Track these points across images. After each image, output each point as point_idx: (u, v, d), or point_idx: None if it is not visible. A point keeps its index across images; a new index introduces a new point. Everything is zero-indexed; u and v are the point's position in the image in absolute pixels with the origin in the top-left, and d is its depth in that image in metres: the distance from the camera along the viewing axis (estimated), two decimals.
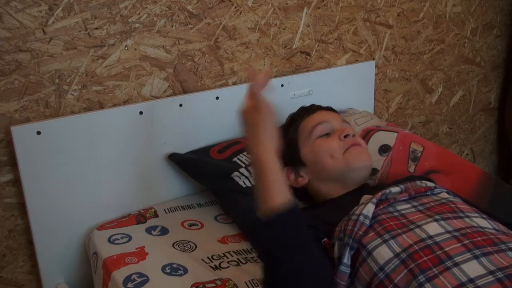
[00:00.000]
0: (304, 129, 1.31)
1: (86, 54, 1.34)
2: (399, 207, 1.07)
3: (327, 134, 1.28)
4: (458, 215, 1.03)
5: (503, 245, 0.94)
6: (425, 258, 0.92)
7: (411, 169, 1.42)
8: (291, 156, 1.31)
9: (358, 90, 1.83)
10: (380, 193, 1.09)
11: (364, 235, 1.01)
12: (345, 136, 1.25)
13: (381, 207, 1.07)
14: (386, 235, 0.99)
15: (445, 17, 2.05)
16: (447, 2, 2.02)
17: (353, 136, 1.27)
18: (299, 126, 1.32)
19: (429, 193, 1.12)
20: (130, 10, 1.37)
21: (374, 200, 1.06)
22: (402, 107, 2.07)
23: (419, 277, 0.90)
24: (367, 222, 1.02)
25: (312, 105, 1.38)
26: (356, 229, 1.00)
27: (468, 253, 0.92)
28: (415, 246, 0.95)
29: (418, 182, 1.17)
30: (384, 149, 1.47)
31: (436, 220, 1.00)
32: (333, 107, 1.73)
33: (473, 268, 0.89)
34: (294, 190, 1.32)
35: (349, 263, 1.00)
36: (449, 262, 0.91)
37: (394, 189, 1.12)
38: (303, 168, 1.30)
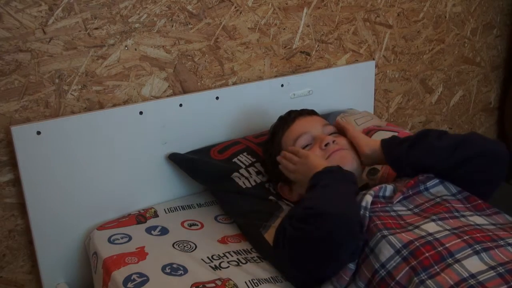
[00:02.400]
0: (286, 144, 1.30)
1: (86, 54, 1.34)
2: (395, 208, 1.08)
3: (309, 146, 1.27)
4: (454, 215, 1.04)
5: (501, 241, 0.95)
6: (427, 255, 0.93)
7: None
8: (280, 173, 1.30)
9: (358, 90, 1.83)
10: (377, 187, 1.10)
11: (366, 230, 1.01)
12: (325, 145, 1.24)
13: (379, 205, 1.07)
14: (385, 231, 1.00)
15: (445, 17, 2.05)
16: (447, 2, 2.02)
17: (334, 142, 1.25)
18: (281, 141, 1.32)
19: (422, 188, 1.12)
20: (130, 10, 1.37)
21: (372, 192, 1.08)
22: (402, 107, 2.07)
23: (421, 275, 0.90)
24: (367, 214, 1.03)
25: (290, 113, 1.36)
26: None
27: (469, 249, 0.92)
28: (415, 243, 0.95)
29: (405, 178, 1.17)
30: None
31: (433, 220, 1.01)
32: (333, 107, 1.75)
33: (474, 264, 0.90)
34: (293, 202, 1.32)
35: (356, 260, 1.00)
36: (450, 259, 0.91)
37: (389, 186, 1.13)
38: (295, 184, 1.29)
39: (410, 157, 1.16)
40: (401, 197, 1.10)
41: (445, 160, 1.14)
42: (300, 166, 1.22)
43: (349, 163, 1.22)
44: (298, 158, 1.23)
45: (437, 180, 1.14)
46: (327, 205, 0.98)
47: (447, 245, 0.94)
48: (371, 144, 1.24)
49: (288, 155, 1.26)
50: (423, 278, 0.90)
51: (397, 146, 1.20)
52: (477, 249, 0.93)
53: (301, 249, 1.00)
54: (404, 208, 1.08)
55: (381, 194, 1.11)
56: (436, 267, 0.91)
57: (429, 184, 1.13)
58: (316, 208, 0.98)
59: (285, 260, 1.07)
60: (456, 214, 1.04)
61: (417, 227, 1.00)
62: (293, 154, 1.25)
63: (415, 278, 0.91)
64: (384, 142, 1.22)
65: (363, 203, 1.05)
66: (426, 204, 1.08)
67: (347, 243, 0.97)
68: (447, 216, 1.03)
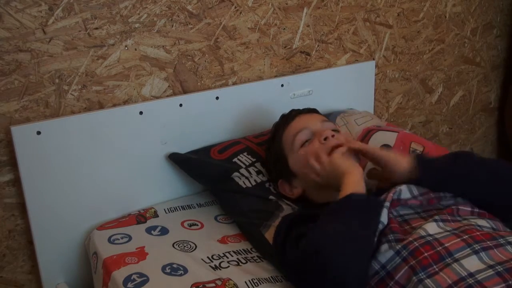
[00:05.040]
0: (287, 140, 1.30)
1: (86, 54, 1.34)
2: (402, 212, 1.08)
3: (308, 141, 1.26)
4: (456, 219, 1.04)
5: (501, 239, 0.95)
6: (426, 254, 0.93)
7: None
8: (281, 169, 1.30)
9: (358, 90, 1.83)
10: (391, 193, 1.08)
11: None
12: (325, 139, 1.22)
13: (391, 209, 1.07)
14: (391, 235, 1.00)
15: (445, 17, 2.05)
16: (447, 2, 2.02)
17: (333, 136, 1.23)
18: (282, 138, 1.32)
19: (436, 202, 1.12)
20: (130, 10, 1.37)
21: (387, 204, 1.06)
22: (402, 107, 2.07)
23: (420, 274, 0.91)
24: (381, 227, 1.03)
25: (291, 112, 1.36)
26: (376, 239, 1.01)
27: (468, 249, 0.93)
28: (415, 243, 0.95)
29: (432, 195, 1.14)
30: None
31: (435, 221, 1.01)
32: (333, 107, 1.75)
33: (472, 263, 0.90)
34: (292, 200, 1.32)
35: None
36: (449, 259, 0.92)
37: (404, 188, 1.10)
38: (295, 179, 1.29)
39: (448, 182, 1.12)
40: (417, 205, 1.09)
41: (481, 192, 1.12)
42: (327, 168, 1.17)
43: None
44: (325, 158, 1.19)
45: (452, 199, 1.13)
46: (338, 253, 0.91)
47: (446, 245, 0.94)
48: (403, 161, 1.16)
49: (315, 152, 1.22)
50: (422, 277, 0.90)
51: (435, 168, 1.15)
52: (476, 248, 0.93)
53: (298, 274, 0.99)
54: (411, 211, 1.08)
55: (395, 197, 1.09)
56: (435, 266, 0.91)
57: (443, 201, 1.12)
58: (324, 251, 0.91)
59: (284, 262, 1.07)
60: (458, 218, 1.05)
61: (419, 228, 1.00)
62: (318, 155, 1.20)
63: (414, 277, 0.91)
64: (420, 160, 1.16)
65: (382, 219, 1.02)
66: (434, 211, 1.08)
67: None
68: (449, 218, 1.03)
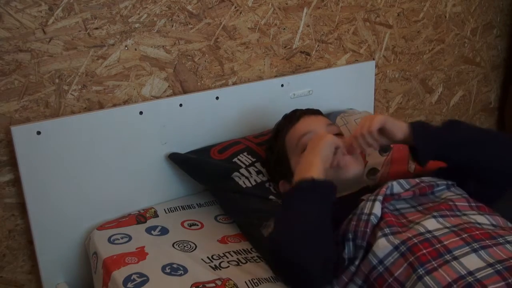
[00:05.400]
0: (290, 142, 1.30)
1: (86, 54, 1.34)
2: (398, 206, 1.08)
3: None
4: (455, 214, 1.04)
5: (501, 239, 0.96)
6: (424, 251, 0.93)
7: (411, 169, 1.42)
8: (283, 170, 1.30)
9: (358, 90, 1.83)
10: (384, 188, 1.09)
11: (371, 233, 1.01)
12: None
13: (385, 203, 1.07)
14: (387, 229, 1.00)
15: (445, 17, 2.05)
16: (447, 2, 2.02)
17: None
18: (285, 139, 1.31)
19: (429, 192, 1.12)
20: (130, 10, 1.37)
21: (380, 197, 1.06)
22: (402, 107, 2.07)
23: (419, 270, 0.91)
24: (376, 221, 1.03)
25: (295, 112, 1.36)
26: (369, 231, 1.01)
27: (467, 247, 0.93)
28: (414, 239, 0.96)
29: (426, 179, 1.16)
30: (384, 149, 1.46)
31: (434, 217, 1.01)
32: (333, 107, 1.75)
33: (472, 261, 0.90)
34: None
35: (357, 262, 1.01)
36: (448, 256, 0.92)
37: (395, 184, 1.11)
38: None
39: (439, 146, 1.14)
40: (411, 196, 1.10)
41: (474, 154, 1.13)
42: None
43: (353, 169, 1.22)
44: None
45: (444, 186, 1.14)
46: (292, 249, 0.98)
47: (445, 243, 0.95)
48: (403, 128, 1.15)
49: None
50: (421, 273, 0.90)
51: (428, 134, 1.16)
52: (475, 247, 0.93)
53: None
54: (407, 205, 1.08)
55: (388, 192, 1.10)
56: (433, 262, 0.91)
57: (435, 189, 1.13)
58: (282, 250, 1.00)
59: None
60: (458, 213, 1.05)
61: (418, 223, 1.00)
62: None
63: (413, 275, 0.91)
64: (413, 125, 1.16)
65: (375, 211, 1.03)
66: (430, 204, 1.08)
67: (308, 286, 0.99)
68: (448, 213, 1.03)
